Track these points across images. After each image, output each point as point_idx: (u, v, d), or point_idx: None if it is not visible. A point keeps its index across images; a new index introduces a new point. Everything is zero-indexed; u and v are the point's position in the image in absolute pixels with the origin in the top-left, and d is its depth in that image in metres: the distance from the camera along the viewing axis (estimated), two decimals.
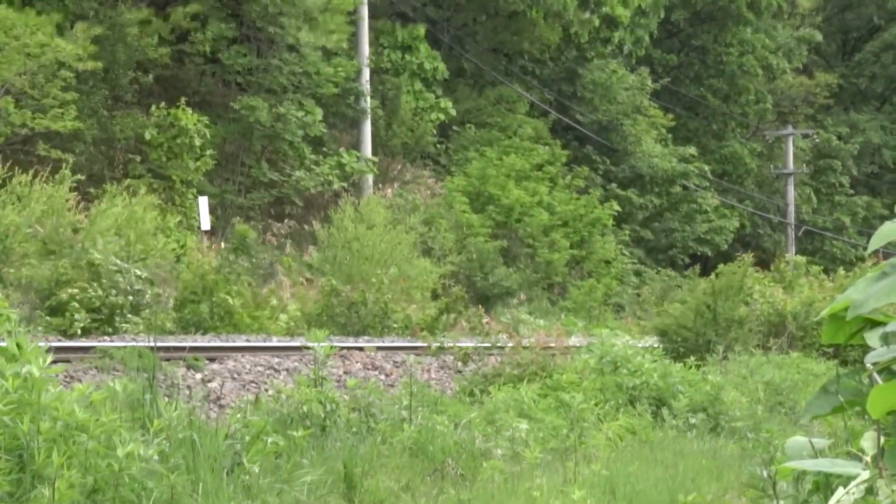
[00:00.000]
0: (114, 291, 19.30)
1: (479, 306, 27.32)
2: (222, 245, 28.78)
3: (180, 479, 8.51)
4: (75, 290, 18.85)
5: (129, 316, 19.27)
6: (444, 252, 33.39)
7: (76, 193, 25.04)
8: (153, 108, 30.11)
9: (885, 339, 2.72)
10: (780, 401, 16.79)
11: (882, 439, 2.75)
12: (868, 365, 2.82)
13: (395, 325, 23.46)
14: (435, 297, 27.47)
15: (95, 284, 19.21)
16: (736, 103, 56.43)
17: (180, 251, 25.55)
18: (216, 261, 23.84)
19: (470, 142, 42.16)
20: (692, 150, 50.82)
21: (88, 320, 18.61)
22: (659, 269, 45.29)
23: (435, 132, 40.37)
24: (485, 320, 22.55)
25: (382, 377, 16.28)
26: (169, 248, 24.65)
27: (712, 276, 23.66)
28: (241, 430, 9.49)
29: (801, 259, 31.83)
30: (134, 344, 14.70)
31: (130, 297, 19.53)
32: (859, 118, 63.47)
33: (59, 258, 20.11)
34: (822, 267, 36.56)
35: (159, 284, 21.01)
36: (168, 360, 14.18)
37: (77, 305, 18.71)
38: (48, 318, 18.79)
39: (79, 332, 18.36)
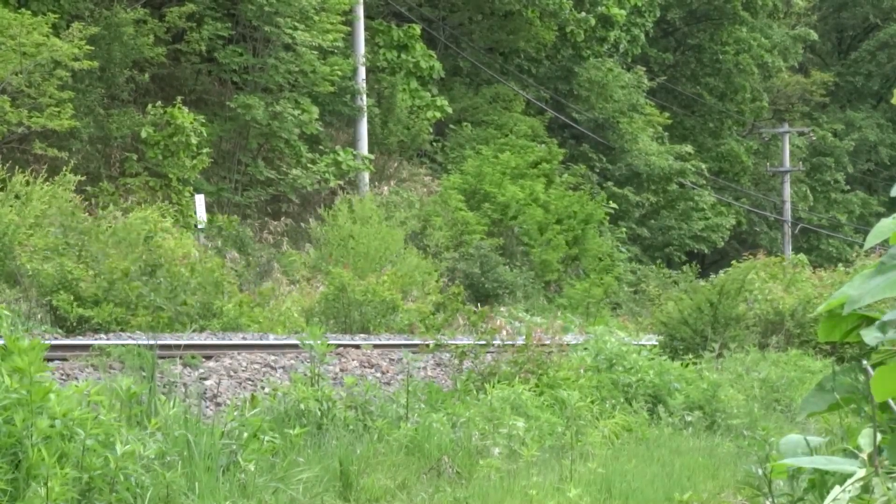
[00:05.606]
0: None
1: (479, 304, 27.30)
2: (219, 243, 28.78)
3: (176, 478, 8.51)
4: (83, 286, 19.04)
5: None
6: (439, 249, 33.38)
7: (74, 192, 25.05)
8: (149, 106, 30.10)
9: (883, 328, 2.72)
10: (776, 398, 16.81)
11: (878, 436, 2.75)
12: (863, 362, 2.82)
13: (393, 323, 23.46)
14: (434, 293, 27.45)
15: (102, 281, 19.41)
16: (732, 101, 56.46)
17: (177, 248, 25.53)
18: (212, 258, 23.84)
19: (466, 140, 42.16)
20: (688, 147, 50.82)
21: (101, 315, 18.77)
22: (655, 265, 45.29)
23: (431, 130, 40.37)
24: (488, 318, 22.52)
25: (379, 375, 16.28)
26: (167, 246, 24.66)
27: (721, 273, 23.72)
28: (237, 429, 9.49)
29: (804, 258, 31.84)
30: (131, 342, 14.69)
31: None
32: (855, 116, 63.55)
33: (62, 256, 20.14)
34: (811, 261, 36.55)
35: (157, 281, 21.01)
36: (164, 357, 14.17)
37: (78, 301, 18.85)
38: (50, 314, 18.88)
39: (75, 324, 18.47)
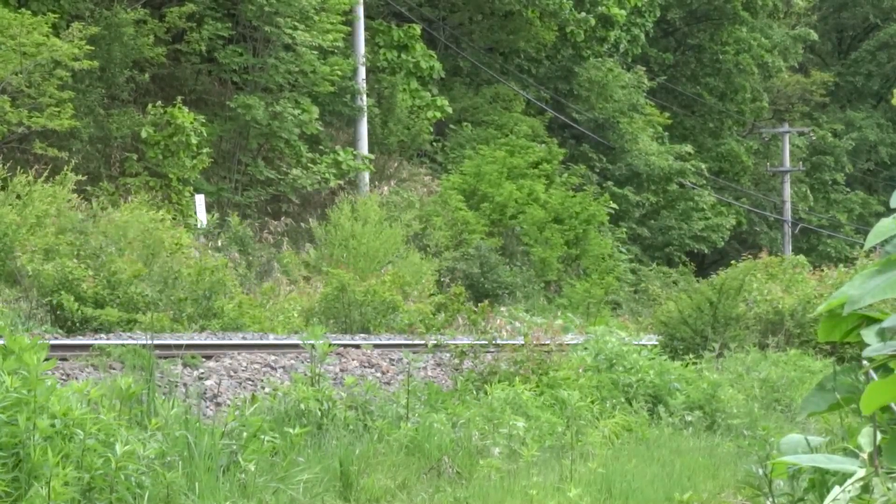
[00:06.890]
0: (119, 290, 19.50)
1: (481, 303, 27.30)
2: (219, 243, 28.77)
3: (176, 478, 8.51)
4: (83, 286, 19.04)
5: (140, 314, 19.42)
6: (439, 249, 33.38)
7: (75, 192, 25.04)
8: (149, 106, 30.11)
9: (882, 335, 2.71)
10: (776, 398, 16.80)
11: (879, 436, 2.75)
12: (864, 363, 2.82)
13: (393, 323, 23.46)
14: (433, 294, 27.46)
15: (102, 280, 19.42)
16: (732, 101, 56.46)
17: (177, 249, 25.52)
18: (213, 257, 23.83)
19: (466, 140, 42.15)
20: (688, 147, 50.81)
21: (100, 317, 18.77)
22: (655, 266, 45.29)
23: (431, 130, 40.37)
24: (488, 317, 22.50)
25: (379, 375, 16.28)
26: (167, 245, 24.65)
27: (720, 273, 23.72)
28: (237, 429, 9.48)
29: (804, 259, 31.81)
30: (131, 342, 14.69)
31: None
32: (855, 116, 63.56)
33: (62, 256, 20.13)
34: (811, 261, 36.56)
35: (159, 282, 21.01)
36: (164, 357, 14.18)
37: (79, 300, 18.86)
38: (50, 314, 18.89)
39: (77, 324, 18.47)
